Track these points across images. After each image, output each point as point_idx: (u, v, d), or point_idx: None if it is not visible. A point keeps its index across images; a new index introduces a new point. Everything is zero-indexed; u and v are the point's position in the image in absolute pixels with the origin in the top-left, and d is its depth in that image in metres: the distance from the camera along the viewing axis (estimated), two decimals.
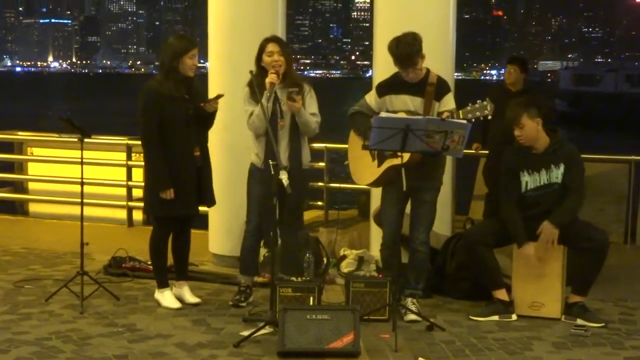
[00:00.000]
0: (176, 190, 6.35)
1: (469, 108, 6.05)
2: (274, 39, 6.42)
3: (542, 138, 6.26)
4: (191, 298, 6.65)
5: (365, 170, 6.37)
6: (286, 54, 6.39)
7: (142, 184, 7.02)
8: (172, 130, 6.35)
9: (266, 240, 6.69)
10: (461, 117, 6.01)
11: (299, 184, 6.17)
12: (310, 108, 6.43)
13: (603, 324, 6.13)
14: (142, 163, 7.43)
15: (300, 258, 6.75)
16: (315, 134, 6.64)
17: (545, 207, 6.25)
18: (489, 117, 6.12)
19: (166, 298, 6.59)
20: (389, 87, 6.34)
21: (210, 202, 6.70)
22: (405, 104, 6.22)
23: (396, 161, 5.97)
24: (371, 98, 6.41)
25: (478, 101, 6.04)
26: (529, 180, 6.31)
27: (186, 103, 6.40)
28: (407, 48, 6.09)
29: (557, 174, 6.25)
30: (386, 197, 6.43)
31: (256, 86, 6.31)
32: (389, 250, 6.42)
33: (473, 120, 6.04)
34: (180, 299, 6.62)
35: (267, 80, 6.26)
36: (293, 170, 6.21)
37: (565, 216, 6.20)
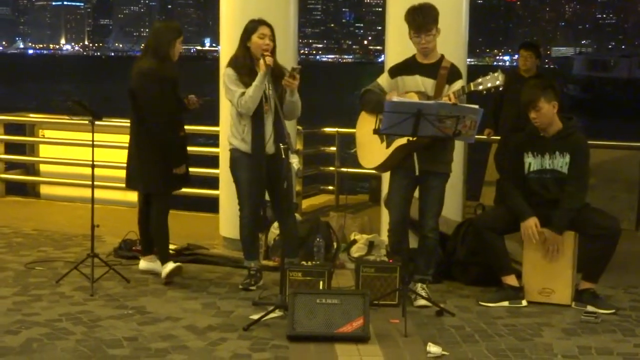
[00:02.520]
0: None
1: (479, 80, 5.96)
2: (266, 23, 6.42)
3: (555, 122, 6.24)
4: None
5: (373, 153, 6.34)
6: (275, 40, 6.42)
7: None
8: (171, 112, 6.60)
9: (282, 227, 6.67)
10: (472, 89, 5.96)
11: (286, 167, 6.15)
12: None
13: (613, 311, 6.12)
14: None
15: (309, 241, 6.76)
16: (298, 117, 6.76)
17: (549, 195, 6.23)
18: (501, 88, 6.03)
19: (169, 266, 6.73)
20: (401, 68, 6.33)
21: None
22: (416, 85, 6.20)
23: (404, 140, 5.96)
24: (383, 80, 6.39)
25: (490, 72, 5.98)
26: (532, 162, 6.30)
27: (177, 86, 6.68)
28: (425, 11, 6.16)
29: (562, 162, 6.22)
30: (394, 182, 6.41)
31: (245, 66, 6.36)
32: (396, 235, 6.40)
33: (484, 92, 5.99)
34: (155, 272, 6.85)
35: (264, 62, 6.26)
36: (278, 155, 6.24)
37: (566, 219, 6.18)
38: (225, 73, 6.46)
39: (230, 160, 6.57)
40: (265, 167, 6.40)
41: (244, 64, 6.38)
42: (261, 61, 6.26)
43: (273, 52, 6.37)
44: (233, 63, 6.44)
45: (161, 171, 6.63)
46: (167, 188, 6.76)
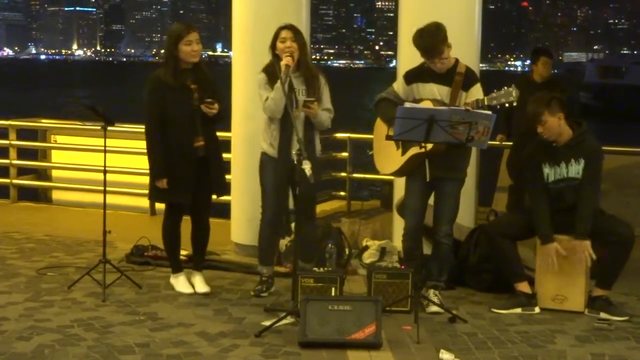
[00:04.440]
0: (173, 178, 6.37)
1: (494, 94, 5.98)
2: (287, 26, 6.42)
3: (565, 131, 6.22)
4: (201, 287, 6.66)
5: (389, 159, 6.34)
6: (299, 41, 6.39)
7: None
8: (172, 119, 6.37)
9: (286, 230, 6.67)
10: (486, 103, 5.96)
11: (314, 173, 6.14)
12: (325, 103, 6.46)
13: (627, 318, 6.09)
14: None
15: (321, 247, 6.75)
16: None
17: (568, 202, 6.21)
18: (514, 104, 6.04)
19: (180, 283, 6.67)
20: (416, 75, 6.30)
21: (220, 191, 6.70)
22: (432, 93, 6.18)
23: (420, 150, 5.95)
24: (399, 85, 6.38)
25: (504, 87, 5.98)
26: (549, 173, 6.28)
27: (189, 92, 6.37)
28: (431, 38, 6.06)
29: (578, 169, 6.21)
30: (410, 187, 6.39)
31: (275, 72, 6.30)
32: (411, 241, 6.39)
33: (498, 107, 5.99)
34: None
35: (282, 63, 6.26)
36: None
37: (587, 224, 6.13)
38: (258, 78, 6.49)
39: (259, 164, 6.58)
40: (290, 173, 6.38)
41: (273, 68, 6.38)
42: (281, 62, 6.27)
43: (303, 55, 6.36)
44: (265, 68, 6.45)
45: (150, 178, 6.58)
46: (155, 197, 6.68)
